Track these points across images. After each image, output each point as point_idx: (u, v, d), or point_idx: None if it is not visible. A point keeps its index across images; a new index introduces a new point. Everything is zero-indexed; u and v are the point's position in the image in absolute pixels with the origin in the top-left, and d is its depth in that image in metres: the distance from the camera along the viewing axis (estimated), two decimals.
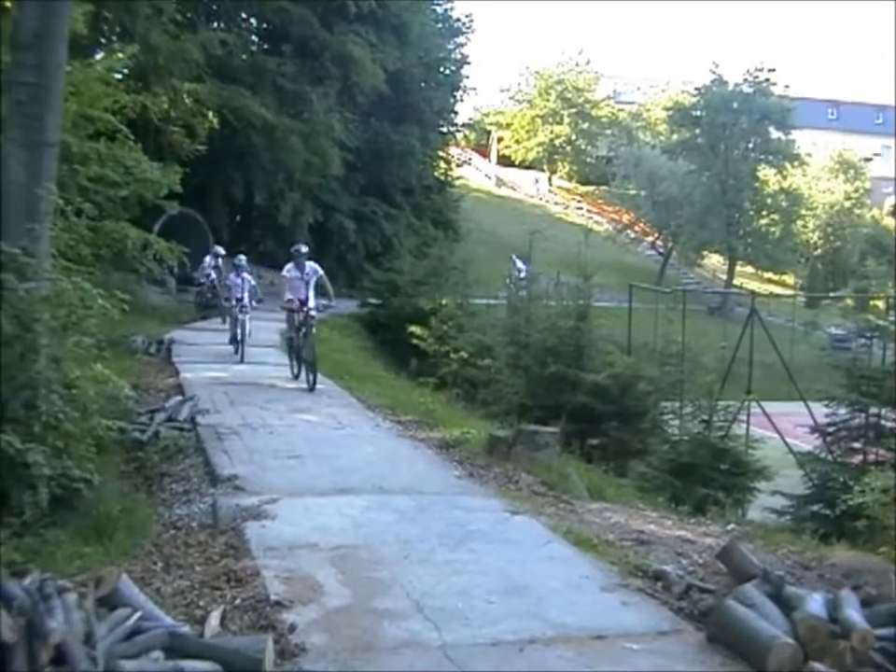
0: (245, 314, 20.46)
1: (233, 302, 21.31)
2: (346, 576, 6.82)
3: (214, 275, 28.10)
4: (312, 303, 16.51)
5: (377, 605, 6.28)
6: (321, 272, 16.83)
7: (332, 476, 9.98)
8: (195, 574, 6.86)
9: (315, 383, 15.71)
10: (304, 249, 16.83)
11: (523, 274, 34.31)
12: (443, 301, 26.70)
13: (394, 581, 6.74)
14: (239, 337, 20.11)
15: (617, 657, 5.66)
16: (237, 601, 6.25)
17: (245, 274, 22.15)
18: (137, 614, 5.26)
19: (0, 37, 12.94)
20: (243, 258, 22.96)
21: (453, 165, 56.04)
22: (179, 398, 13.90)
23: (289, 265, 16.71)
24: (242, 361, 19.35)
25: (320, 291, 17.14)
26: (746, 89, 64.88)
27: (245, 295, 21.35)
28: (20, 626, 4.67)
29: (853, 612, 5.69)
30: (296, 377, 16.65)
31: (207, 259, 28.69)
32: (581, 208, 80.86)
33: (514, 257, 37.60)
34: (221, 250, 29.03)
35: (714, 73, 65.86)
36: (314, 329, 16.32)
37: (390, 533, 7.95)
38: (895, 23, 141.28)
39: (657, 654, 5.70)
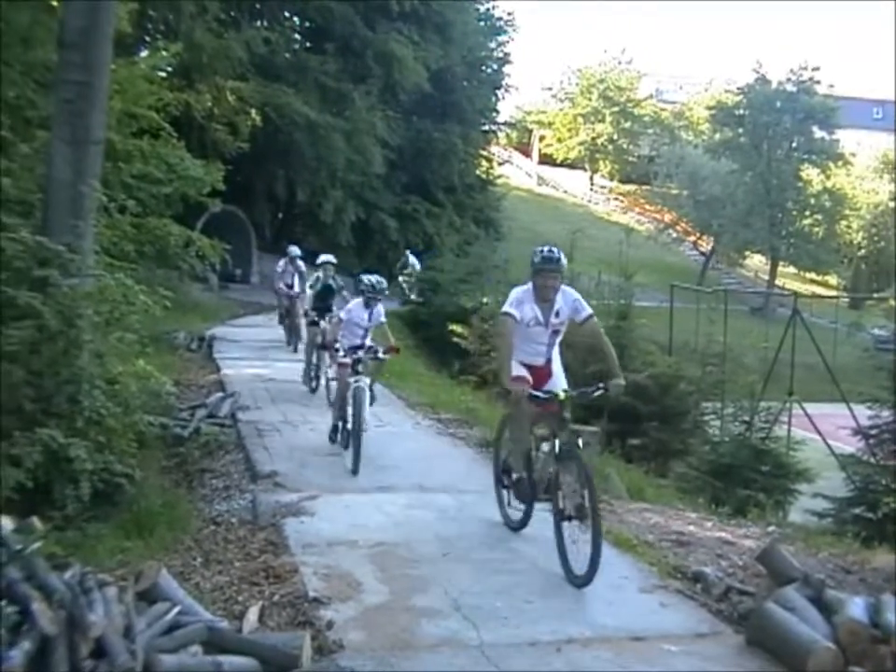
0: (362, 379, 10.82)
1: (345, 358, 11.01)
2: (385, 573, 6.84)
3: (298, 288, 19.53)
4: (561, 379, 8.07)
5: (415, 603, 6.29)
6: (588, 309, 7.88)
7: (372, 473, 9.99)
8: (234, 570, 6.91)
9: (594, 573, 6.61)
10: (562, 260, 7.71)
11: (417, 268, 34.47)
12: (485, 300, 26.57)
13: (432, 579, 6.75)
14: (352, 424, 10.46)
15: (655, 658, 5.64)
16: (275, 597, 6.29)
17: (379, 307, 11.64)
18: (176, 609, 5.31)
19: (47, 36, 13.07)
20: (380, 279, 11.67)
21: (494, 164, 55.96)
22: (220, 394, 14.00)
23: (521, 291, 7.84)
24: (356, 472, 10.05)
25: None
26: (789, 88, 64.28)
27: (367, 342, 11.64)
28: (60, 619, 4.72)
29: (895, 617, 5.63)
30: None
31: (281, 264, 21.02)
32: (622, 207, 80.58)
33: (408, 252, 37.56)
34: (297, 250, 20.79)
35: (757, 72, 65.26)
36: (580, 442, 7.47)
37: (429, 531, 7.97)
38: None
39: (695, 656, 5.68)
